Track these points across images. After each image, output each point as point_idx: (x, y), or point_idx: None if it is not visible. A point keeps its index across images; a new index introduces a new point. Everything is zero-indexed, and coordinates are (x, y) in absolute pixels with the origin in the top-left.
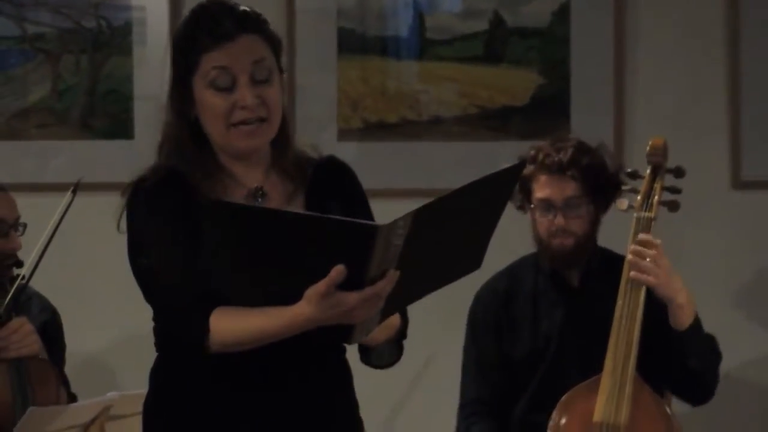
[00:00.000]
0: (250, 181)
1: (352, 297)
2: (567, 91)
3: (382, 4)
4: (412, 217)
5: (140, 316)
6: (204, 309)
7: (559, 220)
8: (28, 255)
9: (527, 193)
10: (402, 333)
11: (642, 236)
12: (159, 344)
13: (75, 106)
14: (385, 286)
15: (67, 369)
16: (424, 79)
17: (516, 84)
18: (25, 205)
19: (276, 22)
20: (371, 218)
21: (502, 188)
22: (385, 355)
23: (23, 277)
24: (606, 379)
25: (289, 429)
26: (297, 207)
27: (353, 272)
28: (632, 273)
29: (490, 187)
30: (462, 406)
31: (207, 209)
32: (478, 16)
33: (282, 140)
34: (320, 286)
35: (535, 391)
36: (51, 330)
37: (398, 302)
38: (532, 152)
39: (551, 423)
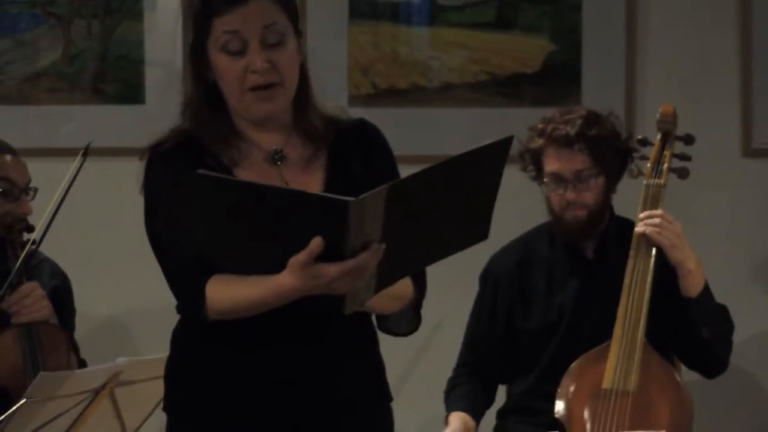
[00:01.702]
0: (269, 144)
1: (331, 269)
2: (578, 57)
3: None
4: (387, 191)
5: (150, 281)
6: (201, 278)
7: (570, 194)
8: (38, 219)
9: (539, 167)
10: (417, 303)
11: (643, 215)
12: (178, 308)
13: (86, 71)
14: (368, 258)
15: (77, 334)
16: (435, 45)
17: (527, 50)
18: (36, 170)
19: None
20: None
21: (493, 162)
22: (402, 323)
23: (34, 242)
24: (615, 345)
25: (310, 388)
26: (316, 170)
27: (332, 244)
28: (648, 230)
29: (476, 161)
30: (455, 366)
31: (185, 181)
32: None
33: (302, 102)
34: (300, 256)
35: (548, 362)
36: (61, 295)
37: (394, 273)
38: (541, 125)
39: (560, 390)
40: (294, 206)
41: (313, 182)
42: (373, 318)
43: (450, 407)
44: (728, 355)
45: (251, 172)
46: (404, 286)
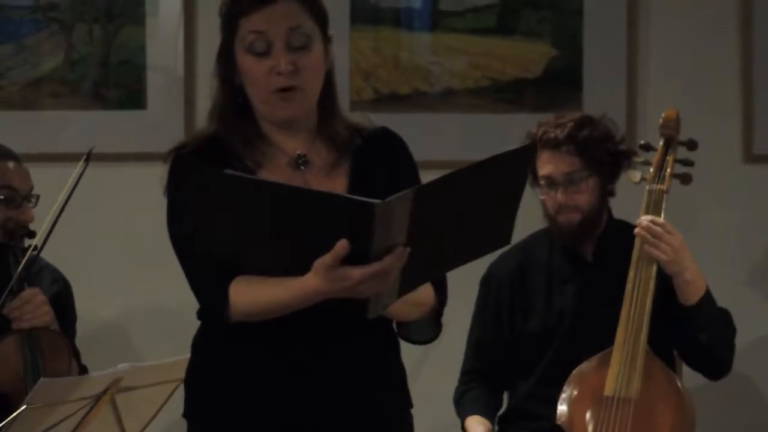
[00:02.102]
0: (293, 148)
1: (356, 272)
2: (580, 63)
3: None
4: (413, 194)
5: (151, 287)
6: (225, 279)
7: (560, 196)
8: (40, 225)
9: (534, 171)
10: (438, 311)
11: (644, 218)
12: (200, 313)
13: (87, 76)
14: (393, 262)
15: (78, 340)
16: (437, 50)
17: (529, 56)
18: (37, 175)
19: None
20: None
21: (516, 167)
22: (423, 330)
23: (35, 248)
24: (617, 352)
25: (331, 392)
26: (340, 176)
27: (358, 247)
28: (645, 246)
29: (499, 167)
30: (461, 374)
31: (206, 180)
32: None
33: (328, 107)
34: (326, 258)
35: (547, 365)
36: (62, 301)
37: (417, 278)
38: (534, 129)
39: (562, 396)
40: (320, 208)
41: (335, 188)
42: (394, 325)
43: (465, 412)
44: (730, 357)
45: (275, 175)
46: (425, 293)
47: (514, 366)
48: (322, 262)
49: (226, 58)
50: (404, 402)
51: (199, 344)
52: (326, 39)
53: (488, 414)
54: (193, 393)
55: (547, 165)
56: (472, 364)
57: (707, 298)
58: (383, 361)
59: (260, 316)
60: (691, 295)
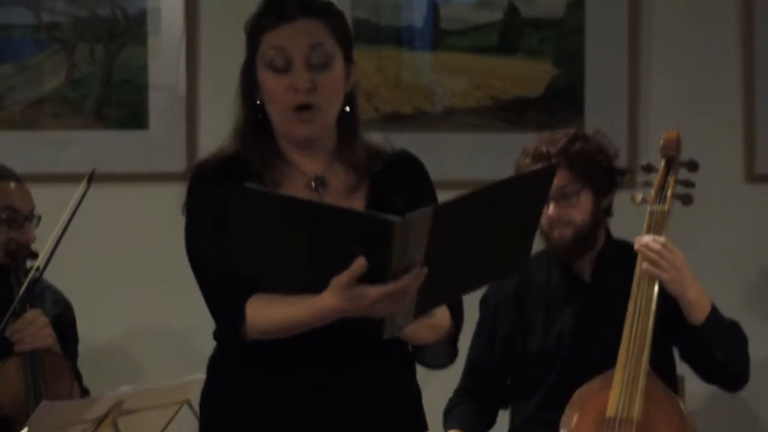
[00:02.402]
0: (311, 169)
1: (373, 291)
2: (581, 82)
3: None
4: (433, 212)
5: (154, 307)
6: (241, 298)
7: (552, 210)
8: (42, 246)
9: None
10: (454, 335)
11: (645, 237)
12: (215, 333)
13: (90, 95)
14: (410, 282)
15: (80, 362)
16: (438, 69)
17: (530, 75)
18: (39, 196)
19: None
20: None
21: (535, 190)
22: (439, 355)
23: (37, 269)
24: (619, 373)
25: (347, 412)
26: (358, 198)
27: (375, 266)
28: (645, 265)
29: (518, 188)
30: (455, 390)
31: (225, 194)
32: (492, 6)
33: (349, 130)
34: (343, 276)
35: (549, 388)
36: (64, 323)
37: (433, 299)
38: (528, 145)
39: (564, 418)
40: (339, 224)
41: None
42: (410, 348)
43: (449, 425)
44: (747, 368)
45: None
46: (442, 317)
47: (509, 387)
48: (339, 280)
49: (248, 74)
50: (419, 424)
51: (214, 365)
52: (349, 61)
53: (471, 429)
54: (208, 413)
55: None
56: (466, 383)
57: (714, 314)
58: (399, 382)
59: (276, 334)
60: (698, 315)
